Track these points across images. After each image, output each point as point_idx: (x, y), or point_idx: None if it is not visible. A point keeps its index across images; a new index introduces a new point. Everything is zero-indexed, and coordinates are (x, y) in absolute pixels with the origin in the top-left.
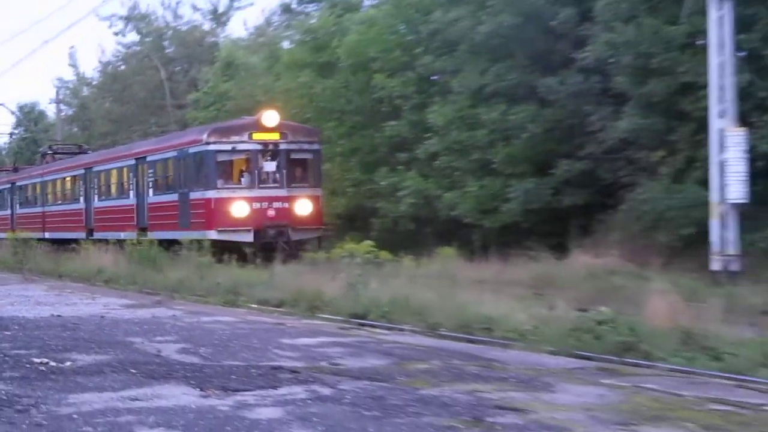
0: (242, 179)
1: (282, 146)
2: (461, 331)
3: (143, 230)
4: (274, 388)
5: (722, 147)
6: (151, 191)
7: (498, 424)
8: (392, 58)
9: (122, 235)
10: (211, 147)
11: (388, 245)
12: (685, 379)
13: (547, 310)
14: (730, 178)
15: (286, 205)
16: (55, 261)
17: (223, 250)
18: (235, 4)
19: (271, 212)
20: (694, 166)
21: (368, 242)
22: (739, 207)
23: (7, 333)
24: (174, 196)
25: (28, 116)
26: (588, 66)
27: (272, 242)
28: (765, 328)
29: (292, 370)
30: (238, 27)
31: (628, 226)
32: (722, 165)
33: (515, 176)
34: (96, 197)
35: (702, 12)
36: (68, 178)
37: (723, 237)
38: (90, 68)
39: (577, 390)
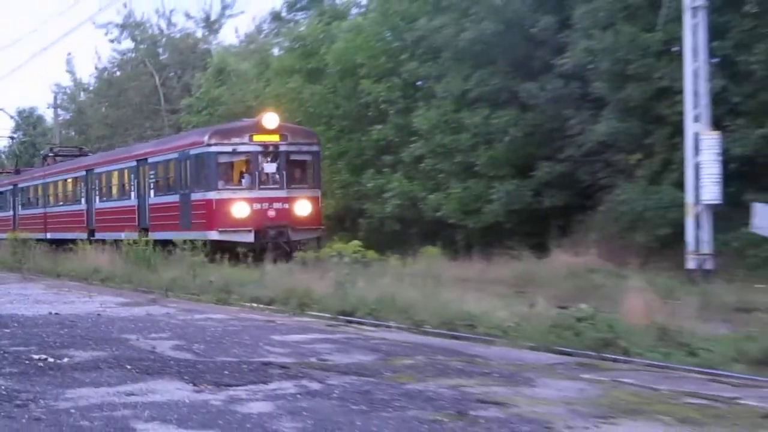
0: (243, 180)
1: (282, 148)
2: (445, 327)
3: (144, 231)
4: (265, 383)
5: (697, 150)
6: (152, 192)
7: (481, 418)
8: (378, 64)
9: (123, 235)
10: (213, 148)
11: (375, 245)
12: (662, 374)
13: (529, 308)
14: (704, 180)
15: (286, 205)
16: (53, 260)
17: (221, 250)
18: (227, 12)
19: (271, 213)
20: (670, 168)
21: (356, 242)
22: (713, 208)
23: (6, 330)
24: (175, 197)
25: (27, 120)
26: (567, 72)
27: (271, 243)
28: (738, 324)
29: (282, 366)
30: (230, 34)
31: (606, 226)
32: (697, 167)
33: (497, 178)
34: (97, 198)
35: (677, 20)
36: (69, 180)
37: (698, 237)
38: (87, 74)
39: (558, 384)
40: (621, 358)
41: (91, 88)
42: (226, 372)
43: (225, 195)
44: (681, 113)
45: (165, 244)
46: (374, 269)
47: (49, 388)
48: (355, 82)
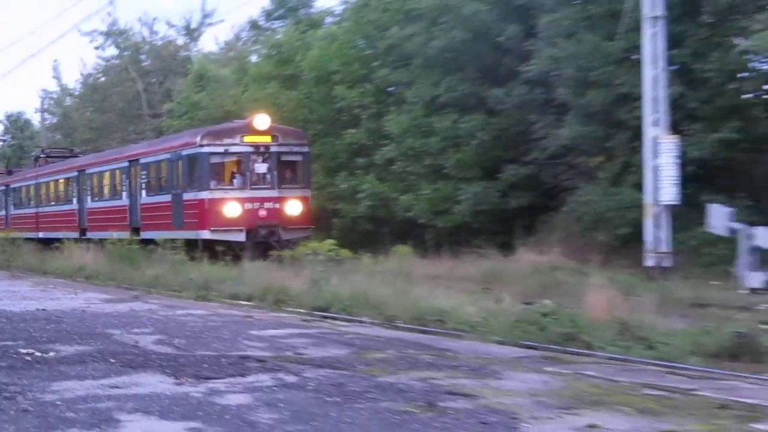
0: (234, 180)
1: (273, 148)
2: (416, 323)
3: (136, 230)
4: (243, 376)
5: (656, 153)
6: (143, 192)
7: (450, 409)
8: (352, 71)
9: (115, 234)
10: (205, 149)
11: (349, 244)
12: (622, 367)
13: (495, 304)
14: (662, 181)
15: (277, 205)
16: (40, 259)
17: (209, 249)
18: (207, 21)
19: (262, 212)
20: (629, 170)
21: (330, 241)
22: (671, 208)
23: None
24: (167, 197)
25: (15, 124)
26: (532, 78)
27: (262, 242)
28: (695, 319)
29: (260, 360)
30: (210, 42)
31: (569, 226)
32: (656, 170)
33: (465, 180)
34: (89, 198)
35: (637, 29)
36: (61, 180)
37: (656, 236)
38: (72, 80)
39: (523, 377)
40: (583, 351)
41: (76, 94)
42: (206, 365)
43: (217, 195)
44: (640, 118)
45: (156, 243)
46: (348, 267)
47: (36, 381)
48: (330, 88)
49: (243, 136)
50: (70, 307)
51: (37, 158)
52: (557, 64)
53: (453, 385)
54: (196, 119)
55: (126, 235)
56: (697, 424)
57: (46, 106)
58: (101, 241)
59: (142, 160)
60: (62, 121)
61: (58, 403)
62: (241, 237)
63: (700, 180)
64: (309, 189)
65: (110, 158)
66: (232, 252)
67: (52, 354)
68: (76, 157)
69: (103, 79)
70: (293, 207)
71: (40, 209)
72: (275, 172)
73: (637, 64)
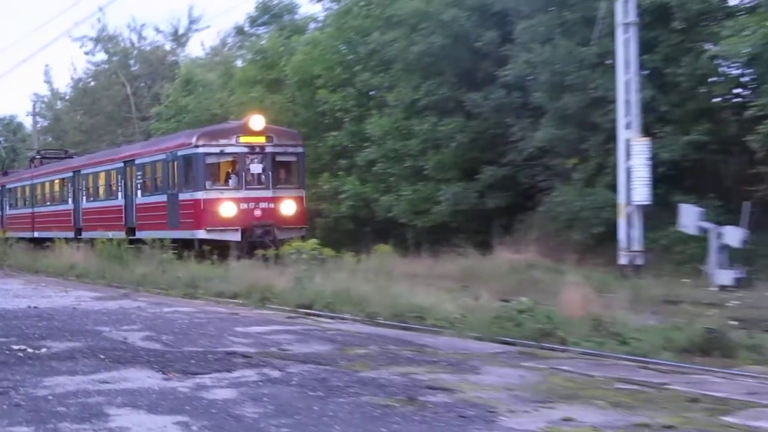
0: (230, 181)
1: (268, 149)
2: (396, 319)
3: (132, 230)
4: (229, 371)
5: (628, 155)
6: (139, 192)
7: (429, 403)
8: (334, 75)
9: (110, 234)
10: (200, 150)
11: (331, 243)
12: (596, 362)
13: (474, 301)
14: (635, 182)
15: (272, 205)
16: (32, 258)
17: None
18: (194, 27)
19: (257, 212)
20: (603, 171)
21: (313, 240)
22: (643, 208)
23: None
24: (163, 197)
25: (8, 127)
26: (509, 82)
27: (258, 241)
28: (666, 315)
29: (245, 355)
30: (197, 47)
31: (545, 225)
32: (628, 171)
33: (445, 181)
34: (84, 198)
35: (610, 35)
36: (57, 181)
37: (629, 235)
38: (63, 84)
39: (500, 372)
40: (558, 347)
41: (67, 97)
42: (193, 361)
43: (213, 195)
44: (614, 121)
45: (132, 242)
46: (330, 265)
47: (28, 377)
48: (313, 91)
49: (238, 136)
50: (61, 304)
51: (32, 159)
52: (533, 69)
53: (432, 379)
54: (184, 122)
55: (122, 234)
56: (669, 417)
57: (37, 110)
58: (90, 240)
59: (138, 161)
60: (53, 124)
61: (50, 397)
62: (236, 237)
63: (671, 181)
64: (303, 189)
65: (105, 159)
66: (227, 251)
67: (43, 350)
68: (71, 158)
69: (92, 83)
70: (288, 207)
71: (36, 209)
72: (270, 173)
73: (610, 69)
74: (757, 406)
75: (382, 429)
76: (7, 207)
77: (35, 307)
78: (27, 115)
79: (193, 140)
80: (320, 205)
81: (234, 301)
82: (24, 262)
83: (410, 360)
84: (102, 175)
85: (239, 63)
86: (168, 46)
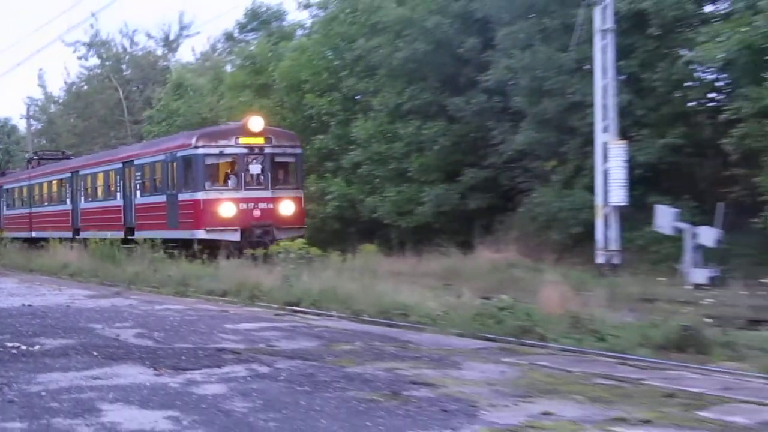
0: (229, 181)
1: (267, 150)
2: (381, 316)
3: (131, 230)
4: (219, 367)
5: (606, 157)
6: (138, 193)
7: (413, 397)
8: (321, 80)
9: (109, 234)
10: (200, 150)
11: (318, 243)
12: (574, 358)
13: (456, 299)
14: (612, 184)
15: (271, 205)
16: (27, 257)
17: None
18: (185, 33)
19: (256, 212)
20: (581, 174)
21: (300, 240)
22: (620, 209)
23: None
24: (162, 198)
25: (2, 130)
26: (490, 87)
27: (257, 241)
28: (643, 313)
29: (234, 352)
30: (187, 52)
31: (525, 225)
32: (606, 173)
33: (428, 183)
34: (82, 199)
35: (588, 41)
36: (55, 181)
37: (606, 235)
38: (57, 88)
39: (482, 367)
40: (538, 343)
41: (60, 101)
42: (184, 357)
43: (212, 195)
44: (591, 125)
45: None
46: (317, 264)
47: (22, 373)
48: (300, 96)
49: (237, 137)
50: (55, 302)
51: (29, 160)
52: (514, 74)
53: (416, 375)
54: (175, 125)
55: (120, 234)
56: (646, 411)
57: (31, 113)
58: (84, 239)
59: (137, 162)
60: (47, 127)
61: (43, 393)
62: (236, 236)
63: (647, 182)
64: (301, 189)
65: (104, 160)
66: (217, 251)
67: (37, 347)
68: (68, 159)
69: (85, 87)
70: (286, 207)
71: (34, 210)
72: (269, 173)
73: (588, 74)
74: (732, 402)
75: (368, 423)
76: (5, 207)
77: (29, 305)
78: (21, 118)
79: (193, 141)
80: (307, 206)
81: (224, 298)
82: (19, 262)
83: (394, 356)
84: (101, 176)
85: (229, 68)
86: (159, 52)
